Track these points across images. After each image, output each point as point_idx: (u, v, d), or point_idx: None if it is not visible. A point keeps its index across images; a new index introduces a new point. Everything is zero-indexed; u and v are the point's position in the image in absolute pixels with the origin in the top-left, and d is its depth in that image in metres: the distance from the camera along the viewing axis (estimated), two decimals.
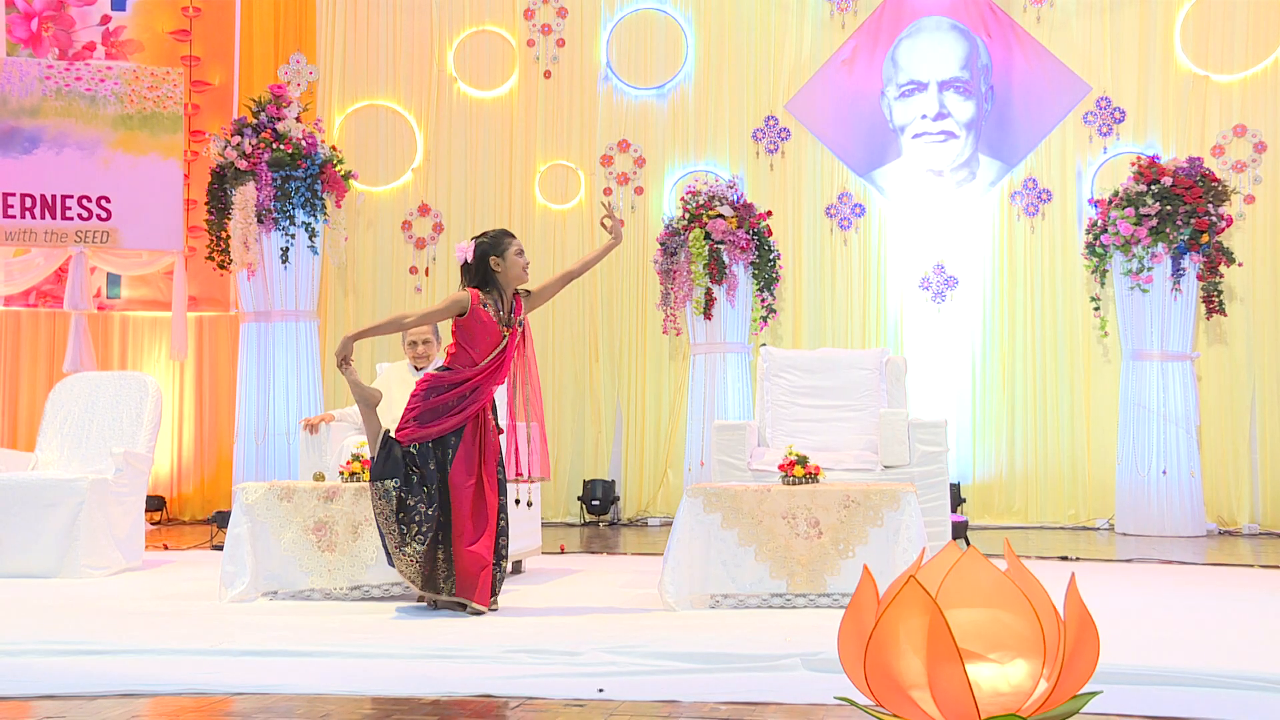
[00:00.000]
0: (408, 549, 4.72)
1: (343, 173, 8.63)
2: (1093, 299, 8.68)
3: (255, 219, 8.26)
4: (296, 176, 8.35)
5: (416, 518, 4.72)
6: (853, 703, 2.76)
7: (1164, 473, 8.18)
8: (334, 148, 8.75)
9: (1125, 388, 8.41)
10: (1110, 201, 8.40)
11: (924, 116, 9.33)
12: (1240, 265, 8.46)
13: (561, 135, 9.81)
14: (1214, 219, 8.15)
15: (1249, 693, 3.37)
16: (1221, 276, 8.30)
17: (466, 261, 4.95)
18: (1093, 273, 8.61)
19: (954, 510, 7.94)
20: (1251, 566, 6.58)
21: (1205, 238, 8.13)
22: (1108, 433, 8.72)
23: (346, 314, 9.80)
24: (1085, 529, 8.69)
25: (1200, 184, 8.16)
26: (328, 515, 5.20)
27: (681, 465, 9.05)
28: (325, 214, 8.57)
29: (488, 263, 4.94)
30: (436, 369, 4.97)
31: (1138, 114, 9.00)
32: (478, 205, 9.81)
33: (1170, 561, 6.72)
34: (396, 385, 6.59)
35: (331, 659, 3.80)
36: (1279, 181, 8.71)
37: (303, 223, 8.44)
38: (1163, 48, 8.97)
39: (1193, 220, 8.12)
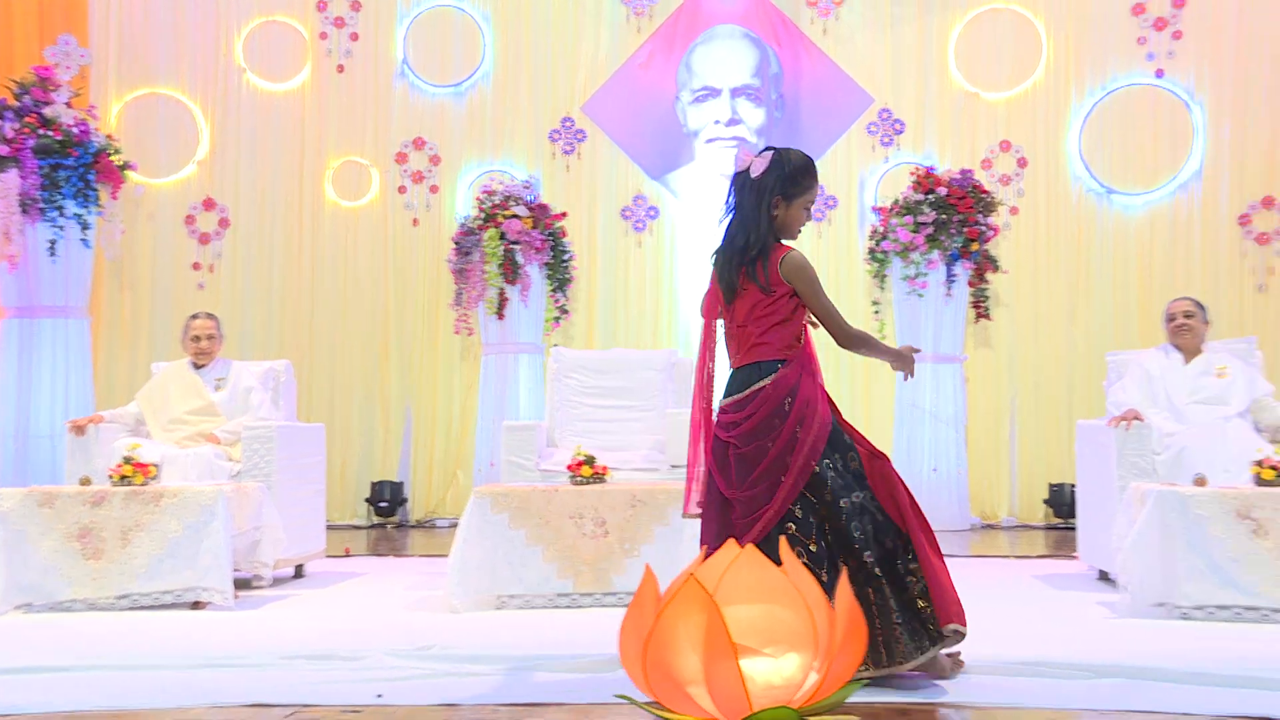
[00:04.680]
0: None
1: (119, 163, 8.23)
2: (874, 303, 8.98)
3: (19, 209, 7.79)
4: (67, 165, 7.92)
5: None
6: (632, 700, 2.80)
7: (934, 470, 8.54)
8: (110, 136, 8.34)
9: (901, 389, 8.74)
10: (891, 209, 8.71)
11: (717, 122, 9.51)
12: (1005, 273, 8.92)
13: (355, 131, 9.61)
14: (983, 228, 8.56)
15: (1002, 678, 3.56)
16: (988, 283, 8.74)
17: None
18: (874, 277, 8.91)
19: None
20: (1008, 557, 6.97)
21: (975, 246, 8.53)
22: (884, 432, 9.05)
23: (123, 311, 9.37)
24: None
25: (971, 195, 8.56)
26: (94, 521, 4.95)
27: (472, 466, 8.99)
28: (99, 205, 8.15)
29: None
30: (784, 365, 3.58)
31: (916, 126, 9.39)
32: (267, 200, 9.52)
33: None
34: (175, 383, 6.33)
35: (93, 673, 3.62)
36: (1039, 195, 9.22)
37: (74, 214, 8.00)
38: (938, 65, 9.38)
39: (965, 229, 8.51)
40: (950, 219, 8.50)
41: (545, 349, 8.84)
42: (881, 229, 8.76)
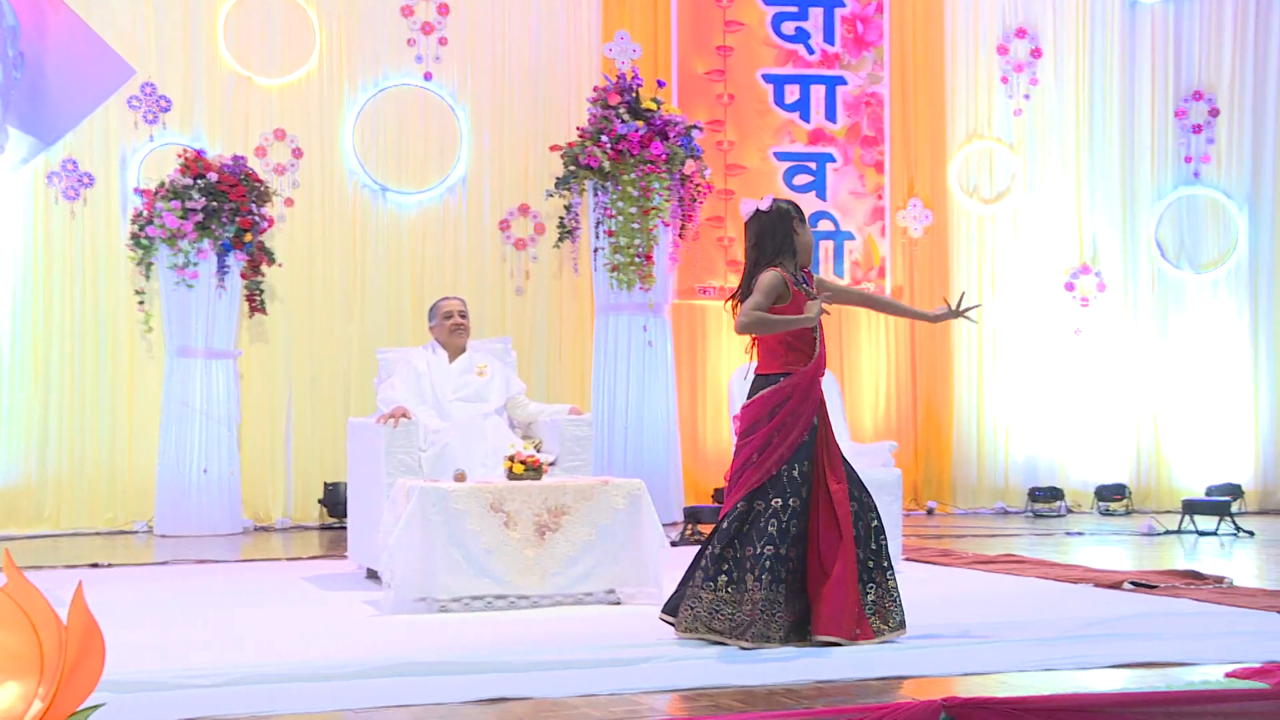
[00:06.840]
0: None
1: None
2: (138, 292, 8.44)
3: None
4: None
5: None
6: None
7: (205, 471, 8.22)
8: None
9: (169, 385, 8.32)
10: (156, 192, 8.27)
11: None
12: (281, 266, 8.73)
13: None
14: (257, 219, 8.39)
15: (269, 685, 3.48)
16: (263, 276, 8.54)
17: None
18: (138, 265, 8.39)
19: None
20: (280, 560, 6.93)
21: (249, 236, 8.34)
22: (151, 432, 8.50)
23: None
24: (124, 533, 8.41)
25: (244, 183, 8.36)
26: None
27: None
28: None
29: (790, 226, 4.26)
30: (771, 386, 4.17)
31: (184, 105, 8.86)
32: None
33: (206, 561, 6.77)
34: None
35: None
36: (314, 186, 9.09)
37: None
38: (207, 43, 8.91)
39: (237, 218, 8.28)
40: (222, 207, 8.24)
41: None
42: (146, 213, 8.28)
